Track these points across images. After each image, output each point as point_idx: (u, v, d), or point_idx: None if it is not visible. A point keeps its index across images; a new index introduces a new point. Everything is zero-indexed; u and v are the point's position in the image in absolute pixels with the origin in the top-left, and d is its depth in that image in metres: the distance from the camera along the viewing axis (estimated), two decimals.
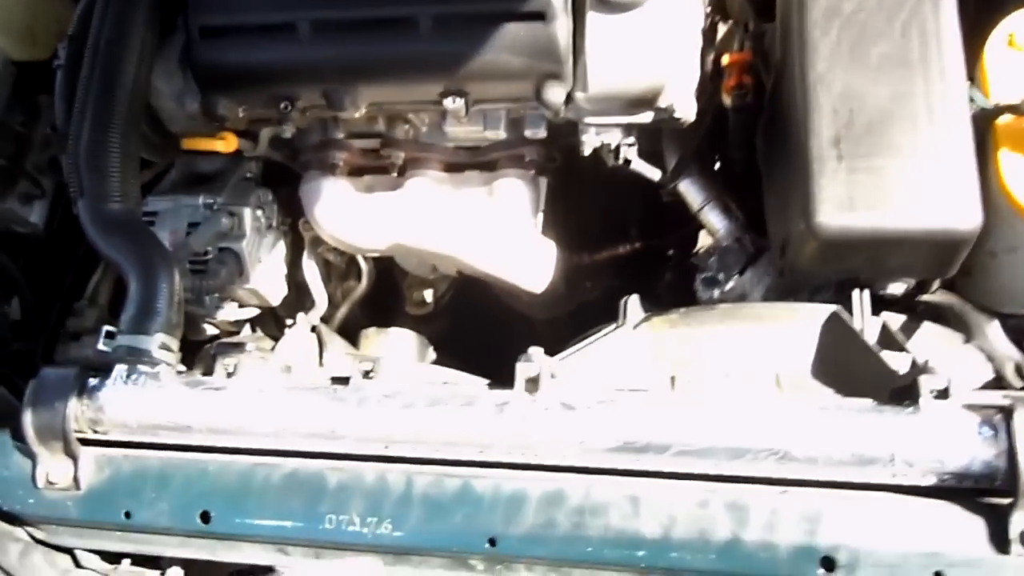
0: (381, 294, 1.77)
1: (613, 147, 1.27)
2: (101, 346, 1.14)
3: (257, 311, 1.61)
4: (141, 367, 1.14)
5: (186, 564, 1.19)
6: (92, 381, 1.15)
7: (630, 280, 1.51)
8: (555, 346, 1.65)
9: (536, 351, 1.06)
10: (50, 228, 1.60)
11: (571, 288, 1.50)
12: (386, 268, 1.72)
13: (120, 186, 1.21)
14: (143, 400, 1.12)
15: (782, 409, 0.99)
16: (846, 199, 1.07)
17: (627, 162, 1.26)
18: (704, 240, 1.57)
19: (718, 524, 0.98)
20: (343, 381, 1.11)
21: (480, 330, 1.76)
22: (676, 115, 1.21)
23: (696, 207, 1.38)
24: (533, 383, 1.05)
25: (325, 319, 1.68)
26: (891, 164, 1.08)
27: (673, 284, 1.45)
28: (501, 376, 1.42)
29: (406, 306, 1.75)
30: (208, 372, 1.15)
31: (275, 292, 1.57)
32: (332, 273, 1.70)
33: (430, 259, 1.50)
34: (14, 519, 1.19)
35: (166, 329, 1.16)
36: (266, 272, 1.53)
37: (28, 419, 1.14)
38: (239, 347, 1.13)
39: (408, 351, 1.57)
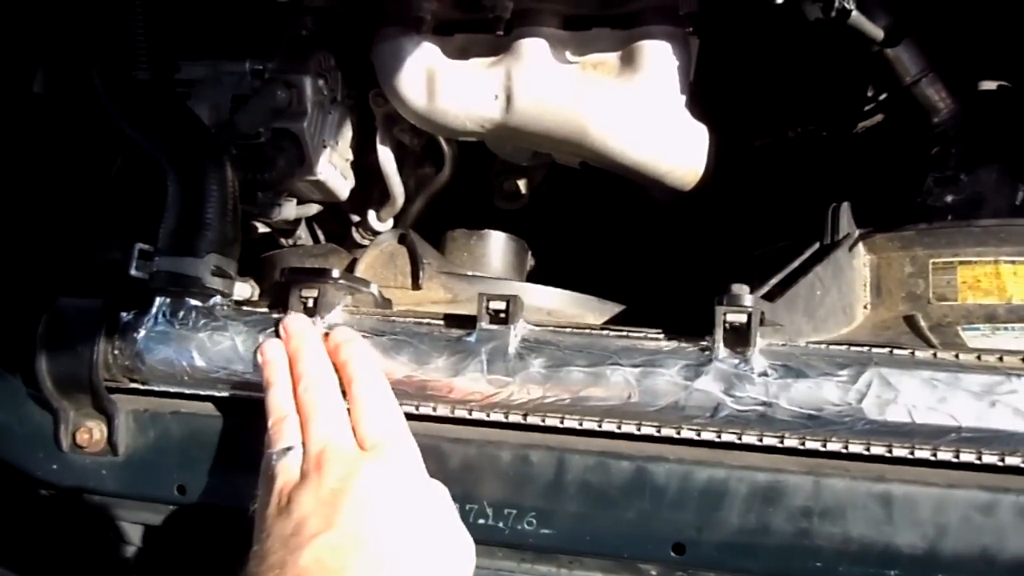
0: (461, 184, 1.44)
1: None
2: (134, 271, 0.84)
3: (319, 207, 1.30)
4: (190, 300, 0.84)
5: None
6: (125, 317, 0.86)
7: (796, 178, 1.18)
8: (677, 256, 1.37)
9: (741, 289, 0.75)
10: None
11: (722, 182, 1.16)
12: (469, 151, 1.39)
13: (147, 47, 0.87)
14: (194, 344, 0.83)
15: None
16: None
17: (843, 14, 0.90)
18: (869, 123, 1.23)
19: (1008, 537, 0.70)
20: (466, 323, 0.81)
21: (583, 231, 1.44)
22: None
23: (908, 79, 1.02)
24: (740, 336, 0.74)
25: (397, 217, 1.38)
26: None
27: (864, 184, 1.11)
28: (619, 297, 1.14)
29: (495, 199, 1.42)
30: (279, 306, 0.85)
31: (343, 184, 1.25)
32: (406, 158, 1.37)
33: (543, 145, 1.17)
34: (36, 483, 0.93)
35: (220, 248, 0.86)
36: (331, 159, 1.21)
37: (43, 364, 0.86)
38: (321, 273, 0.82)
39: (506, 259, 1.26)
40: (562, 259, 1.35)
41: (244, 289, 1.01)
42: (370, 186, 1.35)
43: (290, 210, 1.24)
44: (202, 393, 0.86)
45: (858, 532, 0.72)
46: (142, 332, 0.84)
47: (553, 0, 1.09)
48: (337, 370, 0.78)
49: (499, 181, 1.43)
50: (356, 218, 1.39)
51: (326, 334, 0.80)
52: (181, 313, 0.84)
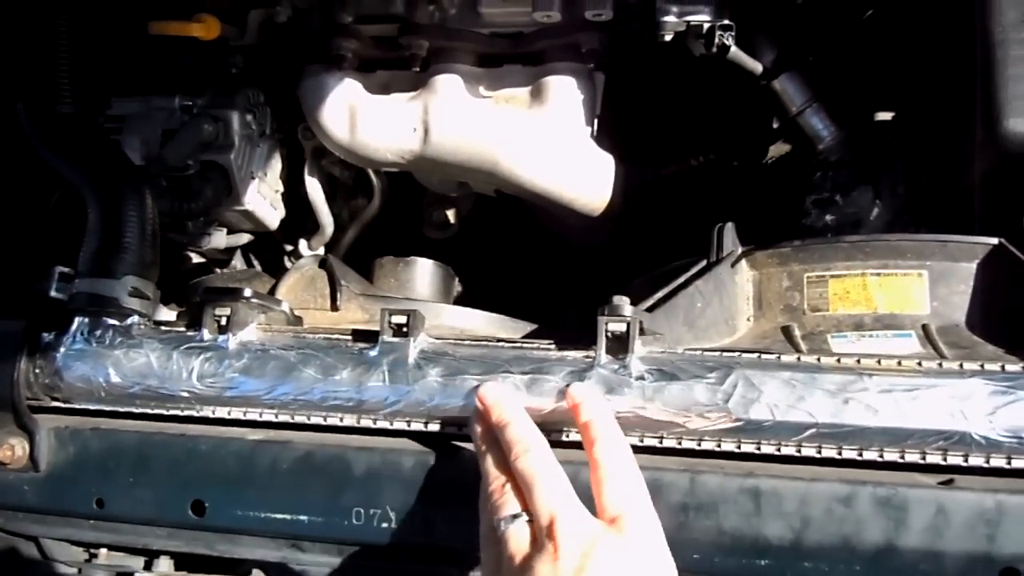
0: (393, 214, 1.50)
1: (705, 31, 0.98)
2: (54, 292, 0.88)
3: (250, 237, 1.35)
4: (107, 319, 0.88)
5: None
6: (46, 337, 0.90)
7: (699, 202, 1.25)
8: (594, 278, 1.43)
9: (622, 301, 0.81)
10: None
11: (628, 209, 1.23)
12: (399, 183, 1.45)
13: (71, 83, 0.93)
14: (111, 361, 0.87)
15: (951, 374, 0.76)
16: None
17: (723, 50, 0.98)
18: (777, 150, 1.32)
19: (866, 526, 0.75)
20: (370, 338, 0.86)
21: (509, 256, 1.50)
22: None
23: (794, 109, 1.11)
24: (620, 343, 0.80)
25: (329, 246, 1.43)
26: None
27: (759, 207, 1.19)
28: (538, 318, 1.19)
29: (424, 229, 1.48)
30: (194, 324, 0.89)
31: (271, 214, 1.30)
32: (337, 190, 1.43)
33: (459, 175, 1.23)
34: None
35: (138, 270, 0.90)
36: (260, 190, 1.26)
37: None
38: (233, 293, 0.87)
39: (432, 285, 1.32)
40: (488, 284, 1.40)
41: (167, 315, 1.05)
42: (304, 216, 1.41)
43: (220, 239, 1.28)
44: (120, 409, 0.90)
45: (730, 525, 0.77)
46: (61, 351, 0.88)
47: (466, 39, 1.16)
48: (579, 429, 0.77)
49: (429, 211, 1.49)
50: (289, 247, 1.44)
51: (566, 387, 0.79)
52: (99, 332, 0.88)
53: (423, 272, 1.31)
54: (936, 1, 1.03)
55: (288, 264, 1.42)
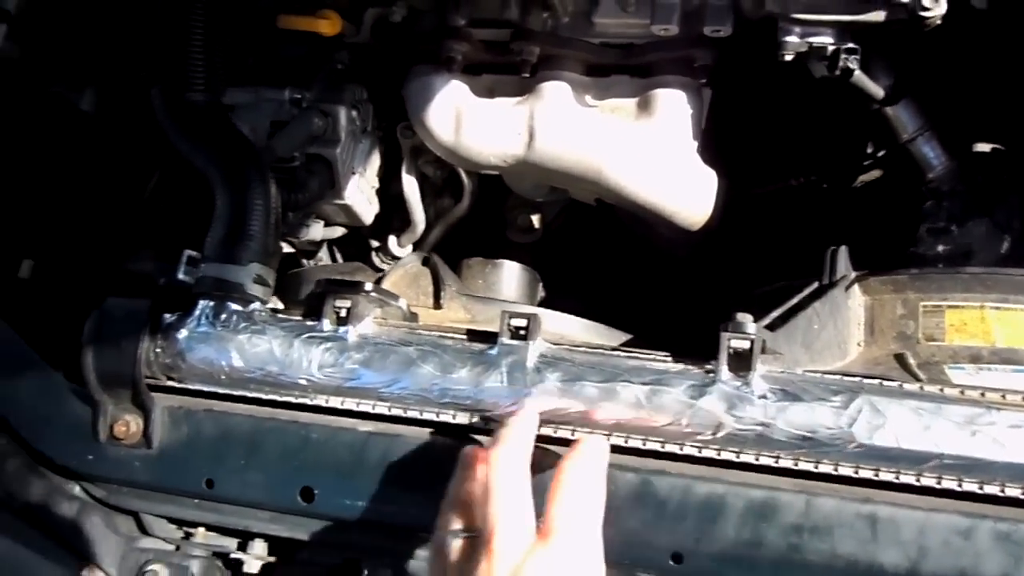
0: (476, 216, 1.51)
1: (829, 53, 0.98)
2: (181, 275, 0.90)
3: (343, 230, 1.37)
4: (231, 304, 0.90)
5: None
6: (168, 318, 0.92)
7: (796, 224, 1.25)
8: (675, 291, 1.43)
9: (745, 318, 0.82)
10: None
11: (722, 226, 1.23)
12: (485, 185, 1.46)
13: (204, 71, 0.95)
14: (235, 345, 0.89)
15: None
16: None
17: (847, 73, 0.98)
18: (866, 176, 1.31)
19: (985, 560, 0.76)
20: (487, 338, 0.87)
21: (593, 264, 1.50)
22: (925, 12, 0.92)
23: (905, 136, 1.10)
24: (742, 360, 0.81)
25: (416, 244, 1.44)
26: None
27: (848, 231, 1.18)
28: (628, 328, 1.20)
29: (508, 232, 1.49)
30: (313, 314, 0.91)
31: (367, 209, 1.32)
32: (426, 189, 1.44)
33: (561, 181, 1.24)
34: (70, 473, 0.98)
35: (262, 257, 0.92)
36: (359, 185, 1.28)
37: (89, 359, 0.92)
38: (354, 286, 0.88)
39: (519, 288, 1.33)
40: (569, 291, 1.41)
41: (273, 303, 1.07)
42: (390, 213, 1.42)
43: (317, 231, 1.30)
44: (233, 393, 0.92)
45: (845, 550, 0.77)
46: (184, 332, 0.90)
47: (577, 48, 1.16)
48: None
49: (513, 215, 1.50)
50: (376, 243, 1.46)
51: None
52: (223, 316, 0.90)
53: (510, 275, 1.33)
54: None
55: (376, 260, 1.44)
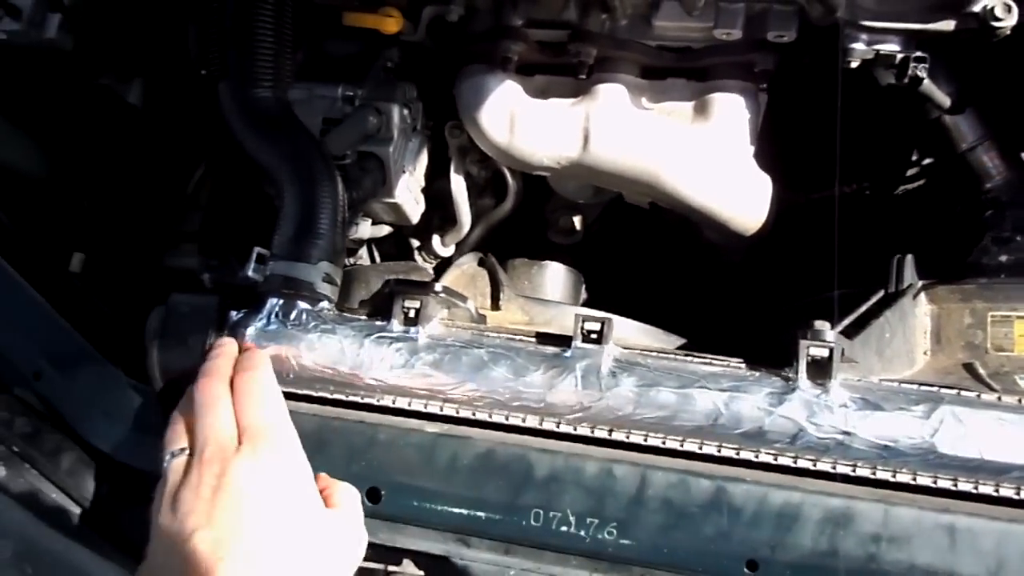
0: (516, 216, 1.50)
1: (898, 61, 0.98)
2: (251, 272, 0.89)
3: (390, 229, 1.36)
4: (300, 303, 0.90)
5: None
6: (235, 315, 0.91)
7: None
8: (723, 295, 1.43)
9: (823, 326, 0.81)
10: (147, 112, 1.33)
11: (774, 232, 1.23)
12: (527, 186, 1.45)
13: (273, 66, 0.94)
14: (305, 344, 0.89)
15: None
16: None
17: (915, 81, 0.97)
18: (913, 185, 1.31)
19: None
20: (558, 342, 0.87)
21: (629, 267, 1.50)
22: (996, 22, 0.92)
23: (964, 145, 1.10)
24: (821, 369, 0.80)
25: (458, 244, 1.44)
26: None
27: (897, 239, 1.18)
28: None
29: (549, 233, 1.49)
30: (381, 314, 0.90)
31: (415, 208, 1.31)
32: (470, 188, 1.44)
33: (614, 184, 1.23)
34: (128, 470, 0.97)
35: (330, 256, 0.91)
36: (408, 184, 1.27)
37: (154, 355, 0.91)
38: (423, 286, 0.88)
39: (564, 289, 1.33)
40: (606, 294, 1.41)
41: None
42: (432, 212, 1.42)
43: (365, 230, 1.30)
44: (300, 392, 0.91)
45: (923, 560, 0.77)
46: (252, 329, 0.89)
47: (634, 50, 1.16)
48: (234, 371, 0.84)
49: (555, 216, 1.49)
50: (416, 242, 1.46)
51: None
52: (293, 314, 0.89)
53: (555, 275, 1.33)
54: None
55: (418, 259, 1.43)
